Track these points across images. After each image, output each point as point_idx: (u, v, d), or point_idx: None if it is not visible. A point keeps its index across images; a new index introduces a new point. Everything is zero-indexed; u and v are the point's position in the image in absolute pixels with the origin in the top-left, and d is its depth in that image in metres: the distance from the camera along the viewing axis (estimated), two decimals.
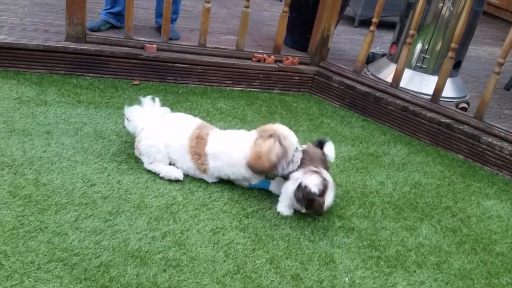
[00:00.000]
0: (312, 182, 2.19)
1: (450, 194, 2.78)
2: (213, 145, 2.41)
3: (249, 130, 3.07)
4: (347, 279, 2.00)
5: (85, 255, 1.86)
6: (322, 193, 2.19)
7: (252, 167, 2.34)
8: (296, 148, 2.35)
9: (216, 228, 2.16)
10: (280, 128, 2.36)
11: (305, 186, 2.19)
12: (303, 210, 2.27)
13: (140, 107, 2.61)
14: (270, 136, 2.31)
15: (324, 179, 2.22)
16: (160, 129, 2.49)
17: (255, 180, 2.46)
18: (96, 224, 2.04)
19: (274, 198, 2.44)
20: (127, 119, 2.57)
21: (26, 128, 2.62)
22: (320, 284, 1.95)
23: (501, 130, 3.17)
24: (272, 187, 2.49)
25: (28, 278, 1.73)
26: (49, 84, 3.15)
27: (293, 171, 2.34)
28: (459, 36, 3.21)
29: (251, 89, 3.72)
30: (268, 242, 2.14)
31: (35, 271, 1.77)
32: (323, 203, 2.20)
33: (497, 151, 3.10)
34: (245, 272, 1.94)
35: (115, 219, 2.08)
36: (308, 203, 2.21)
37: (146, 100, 2.64)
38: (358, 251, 2.18)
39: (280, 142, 2.29)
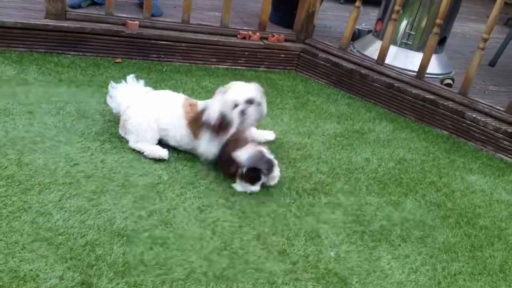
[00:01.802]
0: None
1: (435, 169, 2.80)
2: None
3: None
4: (332, 253, 2.02)
5: (70, 234, 1.85)
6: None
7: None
8: (245, 102, 2.38)
9: (203, 206, 2.16)
10: (235, 84, 2.45)
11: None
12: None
13: (124, 84, 2.58)
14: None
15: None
16: (148, 106, 2.47)
17: None
18: (80, 203, 2.02)
19: None
20: (110, 96, 2.54)
21: (7, 108, 2.56)
22: (306, 258, 1.97)
23: (485, 106, 3.19)
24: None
25: (13, 258, 1.71)
26: (30, 62, 3.08)
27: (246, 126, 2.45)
28: (444, 12, 3.20)
29: (236, 67, 3.69)
30: (255, 219, 2.14)
31: (19, 251, 1.75)
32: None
33: (481, 127, 3.13)
34: (232, 249, 1.95)
35: (100, 198, 2.06)
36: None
37: (130, 78, 2.61)
38: (343, 226, 2.19)
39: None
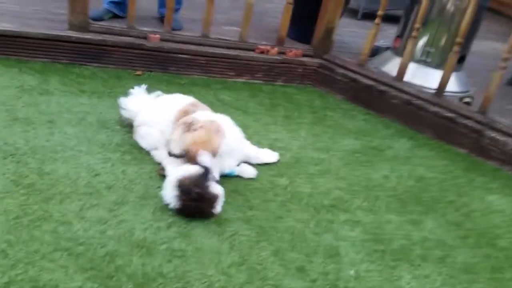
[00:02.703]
0: None
1: (454, 188, 2.77)
2: None
3: (252, 122, 3.09)
4: (352, 272, 2.00)
5: (90, 244, 1.85)
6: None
7: None
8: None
9: (220, 219, 2.15)
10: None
11: None
12: None
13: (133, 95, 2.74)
14: None
15: None
16: (154, 112, 2.57)
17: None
18: (100, 213, 2.02)
19: (278, 189, 2.43)
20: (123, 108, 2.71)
21: (28, 117, 2.60)
22: (325, 276, 1.95)
23: (504, 125, 3.16)
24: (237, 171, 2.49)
25: (33, 267, 1.72)
26: (52, 73, 3.13)
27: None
28: (464, 30, 3.19)
29: (254, 80, 3.71)
30: (273, 234, 2.13)
31: (39, 260, 1.75)
32: None
33: (500, 146, 3.09)
34: (250, 264, 1.93)
35: (120, 209, 2.07)
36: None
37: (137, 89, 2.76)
38: (363, 245, 2.17)
39: None
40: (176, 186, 2.09)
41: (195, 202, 2.08)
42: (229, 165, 2.42)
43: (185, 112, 2.46)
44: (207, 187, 2.10)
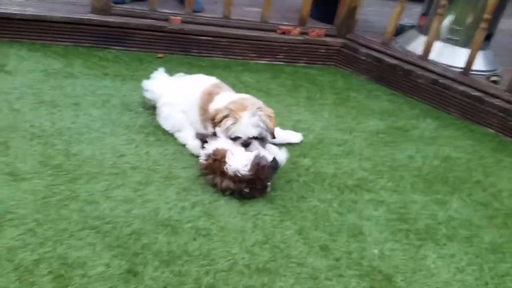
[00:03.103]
0: None
1: (481, 168, 2.72)
2: (217, 105, 2.38)
3: (274, 103, 3.07)
4: (376, 251, 1.99)
5: (116, 223, 1.88)
6: None
7: None
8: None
9: (244, 199, 2.16)
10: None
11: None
12: None
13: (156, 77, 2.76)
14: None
15: None
16: (176, 92, 2.59)
17: None
18: (126, 193, 2.05)
19: (302, 169, 2.42)
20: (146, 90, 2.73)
21: (54, 100, 2.64)
22: (349, 255, 1.94)
23: None
24: None
25: (61, 245, 1.75)
26: (75, 56, 3.16)
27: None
28: (492, 6, 3.10)
29: (275, 62, 3.68)
30: (296, 214, 2.13)
31: (67, 238, 1.79)
32: None
33: None
34: (273, 242, 1.94)
35: (145, 189, 2.10)
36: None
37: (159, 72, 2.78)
38: (387, 224, 2.15)
39: None
40: (256, 159, 2.13)
41: (258, 185, 2.17)
42: None
43: (209, 94, 2.46)
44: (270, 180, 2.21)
